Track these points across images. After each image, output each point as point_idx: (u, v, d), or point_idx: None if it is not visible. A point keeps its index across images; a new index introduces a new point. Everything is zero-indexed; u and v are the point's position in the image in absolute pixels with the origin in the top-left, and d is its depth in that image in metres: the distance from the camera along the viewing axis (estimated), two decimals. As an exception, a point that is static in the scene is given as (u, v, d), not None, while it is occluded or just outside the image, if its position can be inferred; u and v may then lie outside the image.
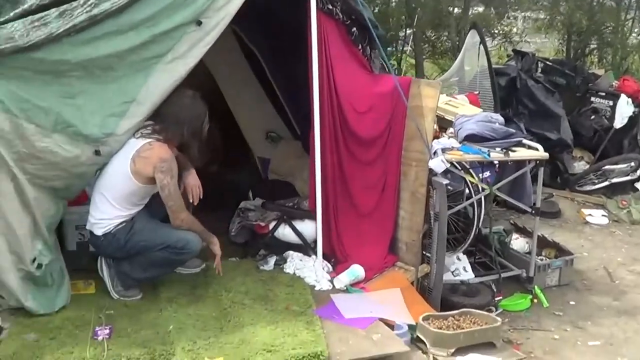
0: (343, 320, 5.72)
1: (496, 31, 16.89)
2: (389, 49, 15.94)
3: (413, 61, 15.47)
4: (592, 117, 11.24)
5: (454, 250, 6.91)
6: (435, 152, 6.26)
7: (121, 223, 5.96)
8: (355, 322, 5.68)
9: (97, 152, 5.64)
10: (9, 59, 5.21)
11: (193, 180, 6.21)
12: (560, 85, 11.43)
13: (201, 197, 6.22)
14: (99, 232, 6.00)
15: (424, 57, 15.90)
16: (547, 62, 12.18)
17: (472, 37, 10.05)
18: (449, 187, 6.81)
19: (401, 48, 16.48)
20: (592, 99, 11.38)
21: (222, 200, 7.79)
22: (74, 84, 5.49)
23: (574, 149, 10.95)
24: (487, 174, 7.71)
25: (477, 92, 9.32)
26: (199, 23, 5.75)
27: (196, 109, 6.12)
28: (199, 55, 5.86)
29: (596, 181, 10.58)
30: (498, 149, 6.46)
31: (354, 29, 6.78)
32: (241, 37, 8.37)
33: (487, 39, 16.74)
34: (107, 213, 5.97)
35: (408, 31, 15.94)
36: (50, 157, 5.47)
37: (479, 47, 9.66)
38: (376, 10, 14.74)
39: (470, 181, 6.70)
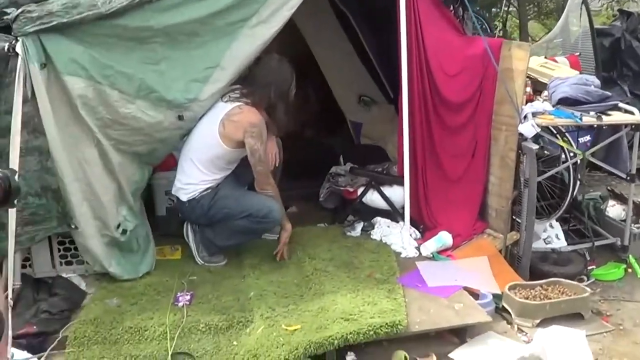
0: (426, 289, 5.63)
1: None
2: (493, 9, 15.68)
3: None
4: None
5: (548, 217, 6.71)
6: (525, 116, 6.07)
7: (206, 189, 5.98)
8: (438, 290, 5.58)
9: (180, 117, 5.68)
10: (92, 26, 5.23)
11: (272, 146, 6.20)
12: (665, 47, 11.01)
13: (276, 164, 6.28)
14: (184, 197, 6.04)
15: (529, 17, 15.52)
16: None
17: (576, -3, 9.74)
18: (545, 151, 6.67)
19: (506, 9, 16.12)
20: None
21: (316, 165, 7.81)
22: (157, 50, 5.50)
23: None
24: (587, 138, 7.51)
25: (578, 53, 9.01)
26: (285, -15, 5.63)
27: (283, 72, 6.10)
28: (283, 19, 5.80)
29: None
30: (592, 113, 6.20)
31: (445, -12, 6.59)
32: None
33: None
34: (193, 177, 6.01)
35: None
36: (133, 123, 5.51)
37: (580, 7, 9.34)
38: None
39: (562, 146, 6.47)
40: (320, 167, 7.75)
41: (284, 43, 9.69)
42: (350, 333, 4.77)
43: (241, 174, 6.17)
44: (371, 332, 4.82)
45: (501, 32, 15.58)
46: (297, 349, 4.64)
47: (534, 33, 15.64)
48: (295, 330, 4.90)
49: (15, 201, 3.83)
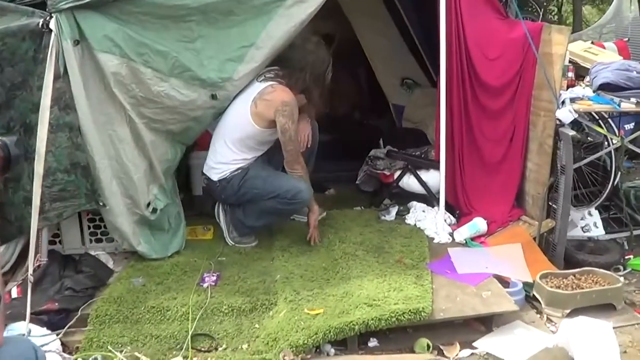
0: (455, 276, 5.55)
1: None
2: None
3: (574, 7, 14.90)
4: None
5: (588, 205, 6.59)
6: (563, 102, 5.94)
7: (237, 169, 5.97)
8: (467, 277, 5.50)
9: (213, 97, 5.67)
10: (127, 3, 5.23)
11: (304, 127, 6.18)
12: None
13: (308, 145, 6.23)
14: (215, 177, 6.04)
15: (584, 2, 15.29)
16: None
17: (627, -18, 9.56)
18: (588, 138, 6.54)
19: (562, -7, 15.97)
20: None
21: (362, 146, 7.78)
22: (194, 28, 5.49)
23: None
24: (632, 125, 7.37)
25: (627, 39, 8.83)
26: (321, -34, 5.56)
27: (320, 55, 6.06)
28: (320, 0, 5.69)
29: None
30: (632, 99, 6.04)
31: (487, -29, 6.47)
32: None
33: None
34: (224, 157, 6.01)
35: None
36: (166, 101, 5.51)
37: (631, -8, 9.18)
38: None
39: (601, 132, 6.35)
40: (365, 149, 7.70)
41: (329, 26, 9.78)
42: (372, 319, 4.72)
43: (273, 155, 6.15)
44: (393, 319, 4.76)
45: (556, 16, 15.46)
46: (317, 334, 4.61)
47: (589, 18, 15.41)
48: (318, 314, 4.88)
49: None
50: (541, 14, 11.88)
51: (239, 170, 5.99)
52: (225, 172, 6.00)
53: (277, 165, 6.13)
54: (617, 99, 6.01)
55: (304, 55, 5.96)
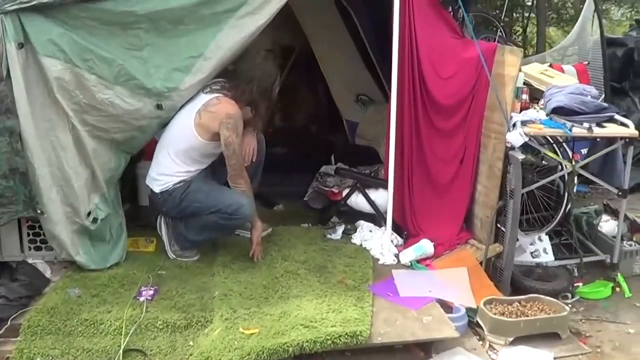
0: (397, 299, 5.43)
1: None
2: (514, 15, 15.49)
3: (539, 28, 14.89)
4: None
5: (539, 230, 6.50)
6: (514, 125, 5.86)
7: (179, 182, 5.85)
8: (409, 301, 5.38)
9: (159, 106, 5.57)
10: (74, 8, 5.15)
11: (250, 141, 6.10)
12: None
13: (253, 159, 6.13)
14: (157, 189, 5.92)
15: (548, 24, 15.31)
16: (670, 33, 11.55)
17: (590, 5, 9.51)
18: (543, 161, 6.48)
19: (527, 14, 15.94)
20: None
21: (314, 161, 7.67)
22: (142, 36, 5.40)
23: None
24: (587, 150, 7.32)
25: (587, 62, 8.80)
26: (274, -23, 5.50)
27: (268, 68, 5.97)
28: (272, 10, 5.67)
29: None
30: (585, 124, 5.97)
31: (444, -10, 6.40)
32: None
33: (612, 8, 16.14)
34: (167, 168, 5.89)
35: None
36: (110, 109, 5.42)
37: (593, 15, 9.14)
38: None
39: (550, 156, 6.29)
40: (318, 163, 7.60)
41: (290, 38, 9.69)
42: (307, 341, 4.61)
43: (217, 169, 6.04)
44: (329, 342, 4.65)
45: (521, 37, 15.46)
46: (250, 355, 4.48)
47: (555, 39, 15.43)
48: (252, 334, 4.76)
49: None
50: (504, 34, 11.82)
51: (182, 183, 5.86)
52: (168, 184, 5.87)
53: (221, 179, 5.98)
54: (569, 124, 5.94)
55: (252, 67, 5.88)
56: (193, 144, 5.80)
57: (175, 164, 5.86)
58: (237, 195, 5.80)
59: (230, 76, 5.92)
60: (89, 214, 5.62)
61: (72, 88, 5.26)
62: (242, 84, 5.84)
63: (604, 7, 15.50)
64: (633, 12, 15.95)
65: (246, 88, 5.83)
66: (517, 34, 16.13)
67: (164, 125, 5.86)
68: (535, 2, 14.85)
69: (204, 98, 5.78)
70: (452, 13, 6.57)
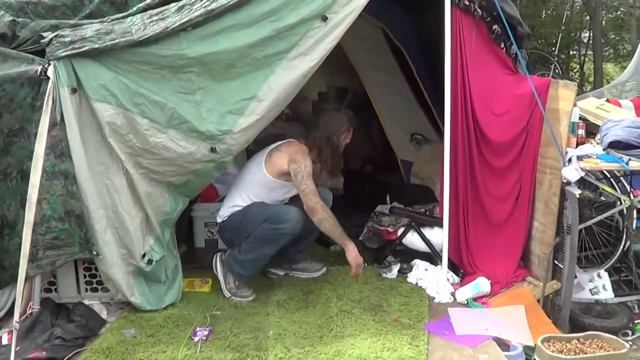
0: (453, 337, 5.39)
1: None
2: (571, 52, 15.40)
3: (596, 64, 14.82)
4: None
5: (598, 267, 6.40)
6: (569, 160, 5.80)
7: (238, 208, 6.13)
8: (466, 339, 5.34)
9: (213, 150, 5.59)
10: (125, 52, 5.20)
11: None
12: None
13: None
14: (219, 219, 6.23)
15: (605, 59, 15.20)
16: None
17: (646, 39, 9.44)
18: (601, 197, 6.39)
19: (584, 51, 15.85)
20: None
21: (371, 202, 7.74)
22: (194, 79, 5.43)
23: None
24: (647, 185, 7.21)
25: (644, 96, 8.72)
26: (325, 18, 5.56)
27: (337, 116, 6.28)
28: (324, 51, 5.66)
29: None
30: (644, 158, 5.90)
31: (495, 26, 6.38)
32: (389, 35, 8.08)
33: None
34: (231, 201, 6.22)
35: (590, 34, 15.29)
36: (164, 153, 5.45)
37: (649, 49, 9.06)
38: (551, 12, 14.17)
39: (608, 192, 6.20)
40: (373, 204, 7.66)
41: (344, 79, 9.72)
42: (361, 379, 4.53)
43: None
44: (384, 380, 4.56)
45: (578, 73, 15.36)
46: (305, 393, 4.43)
47: (613, 76, 15.31)
48: (307, 373, 4.70)
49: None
50: (560, 70, 11.75)
51: (240, 208, 6.10)
52: (228, 212, 6.16)
53: None
54: (626, 157, 5.85)
55: (321, 114, 6.21)
56: (261, 180, 6.08)
57: (240, 199, 6.14)
58: (287, 207, 6.01)
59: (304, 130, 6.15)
60: (143, 255, 5.67)
61: (124, 132, 5.31)
62: (310, 128, 6.16)
63: (661, 41, 15.38)
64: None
65: (313, 132, 6.12)
66: (574, 70, 16.05)
67: (220, 170, 5.93)
68: (591, 38, 14.78)
69: (277, 143, 6.14)
70: (504, 49, 6.50)
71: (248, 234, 6.00)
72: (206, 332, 5.39)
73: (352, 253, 5.96)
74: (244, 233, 6.03)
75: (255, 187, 6.12)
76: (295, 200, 6.19)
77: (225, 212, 6.21)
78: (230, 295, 6.10)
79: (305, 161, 5.89)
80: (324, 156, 6.19)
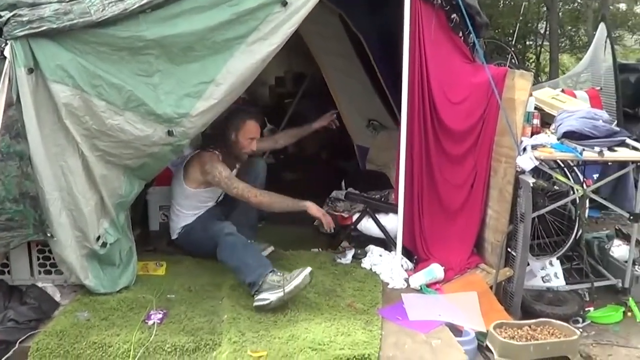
0: (406, 323, 5.41)
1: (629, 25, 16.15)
2: (527, 42, 15.49)
3: (552, 55, 14.91)
4: None
5: (551, 254, 6.47)
6: (524, 149, 5.85)
7: (184, 227, 6.48)
8: (419, 325, 5.36)
9: (170, 133, 5.54)
10: (83, 33, 5.15)
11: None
12: (701, 84, 10.75)
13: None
14: (173, 236, 6.55)
15: (561, 51, 15.32)
16: (684, 60, 11.53)
17: (602, 32, 9.51)
18: (555, 186, 6.46)
19: (540, 42, 15.95)
20: None
21: (326, 187, 7.76)
22: (152, 62, 5.39)
23: None
24: (597, 175, 7.29)
25: (599, 87, 8.78)
26: (285, 3, 5.54)
27: (228, 119, 6.44)
28: (283, 36, 5.64)
29: None
30: (596, 148, 5.96)
31: (454, 15, 6.40)
32: (347, 22, 8.09)
33: (626, 35, 16.14)
34: (173, 220, 6.53)
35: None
36: (121, 135, 5.41)
37: (605, 42, 9.12)
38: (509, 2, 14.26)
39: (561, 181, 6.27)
40: (329, 190, 7.67)
41: (302, 65, 9.72)
42: (315, 364, 4.56)
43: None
44: (337, 364, 4.60)
45: (534, 64, 15.46)
46: (257, 377, 4.44)
47: (568, 67, 15.43)
48: (260, 357, 4.75)
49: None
50: (517, 60, 11.84)
51: (183, 225, 6.56)
52: (175, 232, 6.60)
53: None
54: (580, 147, 5.92)
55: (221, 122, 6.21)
56: (187, 193, 6.48)
57: (182, 216, 6.54)
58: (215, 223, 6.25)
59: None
60: (98, 238, 5.63)
61: (81, 114, 5.26)
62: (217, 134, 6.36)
63: (617, 34, 15.51)
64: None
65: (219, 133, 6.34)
66: (530, 61, 16.15)
67: (176, 152, 5.86)
68: (548, 29, 14.88)
69: (188, 158, 6.40)
70: (462, 38, 6.52)
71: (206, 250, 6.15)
72: (160, 316, 5.37)
73: (313, 208, 6.23)
74: (203, 249, 6.27)
75: (185, 200, 6.46)
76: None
77: (173, 230, 6.60)
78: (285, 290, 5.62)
79: (216, 168, 6.19)
80: (232, 153, 6.48)
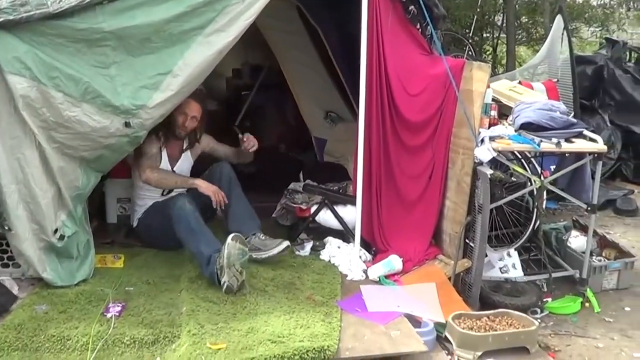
0: (365, 314, 5.41)
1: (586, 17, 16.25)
2: (485, 34, 15.54)
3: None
4: (683, 111, 10.65)
5: (509, 246, 6.50)
6: (482, 140, 5.87)
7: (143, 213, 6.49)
8: (377, 316, 5.36)
9: (127, 124, 5.51)
10: (40, 25, 5.10)
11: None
12: (655, 77, 10.87)
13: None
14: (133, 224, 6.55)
15: (518, 43, 15.39)
16: (641, 52, 11.65)
17: (559, 24, 9.56)
18: (512, 177, 6.49)
19: (497, 34, 16.02)
20: (686, 92, 10.78)
21: (285, 179, 7.71)
22: (109, 53, 5.36)
23: (662, 144, 10.38)
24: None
25: (556, 80, 8.84)
26: (242, -5, 5.47)
27: None
28: (240, 28, 5.63)
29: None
30: (553, 139, 5.99)
31: (412, 7, 6.42)
32: (305, 14, 8.06)
33: (582, 27, 16.24)
34: (134, 209, 6.66)
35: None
36: (78, 127, 5.36)
37: (562, 33, 9.17)
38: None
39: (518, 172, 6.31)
40: (287, 182, 7.62)
41: (259, 57, 9.69)
42: (275, 356, 4.58)
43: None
44: (297, 357, 4.62)
45: (490, 56, 15.52)
46: (216, 370, 4.43)
47: (525, 59, 15.50)
48: (219, 349, 4.71)
49: None
50: (474, 52, 11.88)
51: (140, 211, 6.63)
52: (135, 219, 6.63)
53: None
54: (537, 139, 5.95)
55: None
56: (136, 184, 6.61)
57: (138, 201, 6.61)
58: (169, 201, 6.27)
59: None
60: (55, 231, 5.57)
61: (38, 106, 5.21)
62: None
63: (573, 26, 15.59)
64: (603, 31, 16.05)
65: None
66: (488, 53, 16.21)
67: (133, 144, 5.83)
68: (505, 21, 14.93)
69: None
70: (420, 30, 6.53)
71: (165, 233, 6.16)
72: (119, 308, 5.33)
73: (202, 185, 6.32)
74: (162, 233, 6.28)
75: (140, 191, 6.61)
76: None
77: (133, 219, 6.72)
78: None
79: (143, 148, 6.28)
80: (171, 132, 6.52)
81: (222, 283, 5.55)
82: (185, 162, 6.65)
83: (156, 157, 6.44)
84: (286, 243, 6.22)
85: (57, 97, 5.23)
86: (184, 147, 6.62)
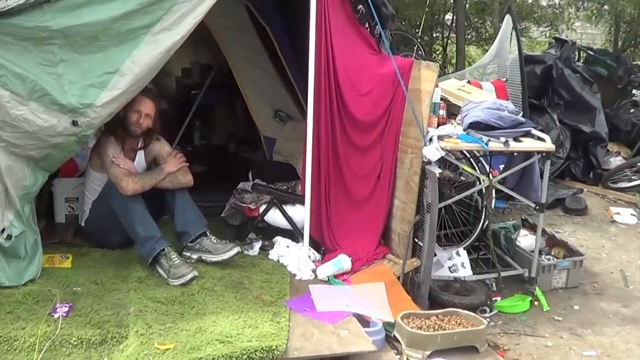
0: (314, 314, 5.40)
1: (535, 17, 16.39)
2: (434, 33, 15.60)
3: (459, 47, 15.04)
4: (632, 110, 10.79)
5: (458, 245, 6.51)
6: (430, 139, 5.88)
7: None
8: (326, 316, 5.36)
9: (74, 123, 5.43)
10: (-12, 24, 4.98)
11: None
12: (601, 76, 11.01)
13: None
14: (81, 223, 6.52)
15: (468, 42, 15.47)
16: (589, 52, 11.75)
17: (508, 23, 9.62)
18: (462, 177, 6.50)
19: (447, 34, 16.08)
20: (634, 91, 10.93)
21: (233, 179, 7.65)
22: (56, 52, 5.28)
23: (610, 143, 10.49)
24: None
25: (505, 79, 8.90)
26: (190, -6, 5.45)
27: None
28: (188, 27, 5.59)
29: (633, 177, 10.09)
30: (501, 138, 6.02)
31: (360, 6, 6.43)
32: (254, 13, 8.03)
33: (532, 26, 16.37)
34: (83, 209, 6.56)
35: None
36: (25, 126, 5.29)
37: (511, 33, 9.23)
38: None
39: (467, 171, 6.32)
40: (237, 181, 7.55)
41: (209, 55, 9.64)
42: (223, 356, 4.57)
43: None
44: (245, 356, 4.61)
45: (440, 56, 15.58)
46: (164, 370, 4.40)
47: (475, 58, 15.57)
48: (167, 349, 4.68)
49: None
50: (423, 52, 11.91)
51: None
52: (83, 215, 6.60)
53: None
54: (485, 138, 5.98)
55: None
56: (94, 178, 6.52)
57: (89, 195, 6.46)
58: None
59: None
60: (2, 230, 5.48)
61: (-16, 104, 5.12)
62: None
63: (523, 26, 15.71)
64: (552, 31, 16.17)
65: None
66: (437, 52, 16.28)
67: (81, 143, 5.78)
68: (454, 21, 14.99)
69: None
70: (368, 29, 6.54)
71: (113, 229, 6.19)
72: (66, 309, 5.26)
73: (170, 166, 6.38)
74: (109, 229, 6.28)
75: (92, 184, 6.51)
76: None
77: (82, 217, 6.66)
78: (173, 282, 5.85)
79: (105, 152, 6.22)
80: (125, 131, 6.40)
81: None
82: (140, 161, 6.55)
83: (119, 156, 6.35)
84: (237, 249, 6.16)
85: (4, 95, 5.15)
86: (139, 146, 6.52)
